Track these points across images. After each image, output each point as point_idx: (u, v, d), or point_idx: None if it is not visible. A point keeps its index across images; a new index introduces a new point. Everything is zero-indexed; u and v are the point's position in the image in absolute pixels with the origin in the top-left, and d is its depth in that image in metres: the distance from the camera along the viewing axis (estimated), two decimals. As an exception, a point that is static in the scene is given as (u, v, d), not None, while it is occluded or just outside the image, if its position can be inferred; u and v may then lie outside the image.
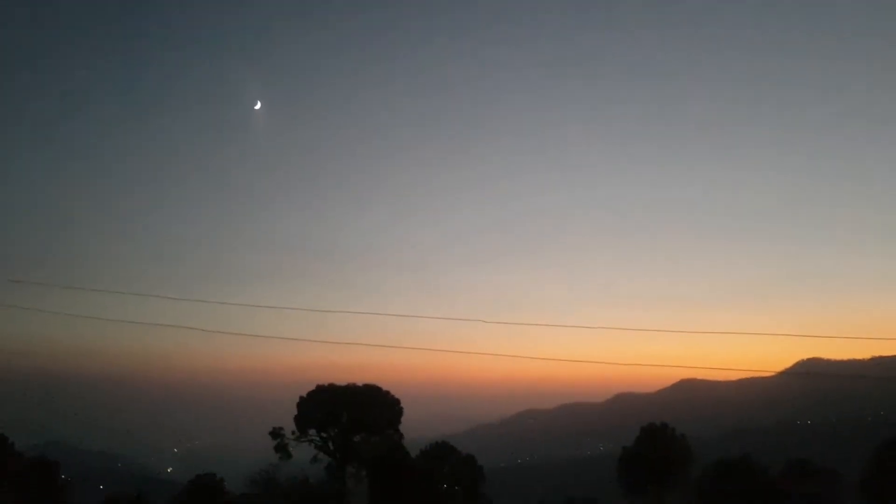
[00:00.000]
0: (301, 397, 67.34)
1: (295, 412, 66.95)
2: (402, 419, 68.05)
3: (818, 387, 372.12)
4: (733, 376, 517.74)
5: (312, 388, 67.47)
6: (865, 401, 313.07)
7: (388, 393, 68.07)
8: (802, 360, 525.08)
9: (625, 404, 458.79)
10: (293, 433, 66.67)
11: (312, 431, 66.70)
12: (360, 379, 69.08)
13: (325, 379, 68.43)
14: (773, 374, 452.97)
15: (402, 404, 68.20)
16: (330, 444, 66.30)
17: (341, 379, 68.56)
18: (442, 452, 66.76)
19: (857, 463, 65.54)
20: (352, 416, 65.80)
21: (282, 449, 66.40)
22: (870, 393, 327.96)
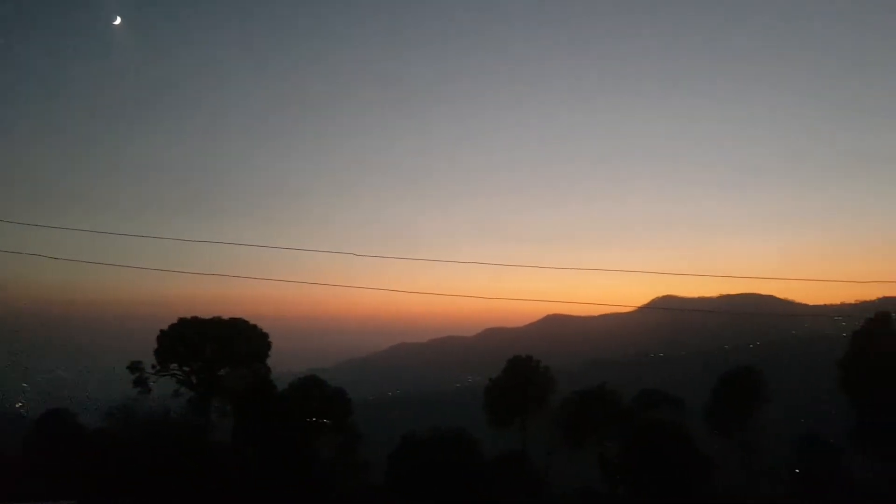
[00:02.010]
0: (162, 330, 65.04)
1: (156, 346, 64.75)
2: (272, 353, 67.25)
3: (672, 322, 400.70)
4: (596, 311, 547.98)
5: (175, 320, 65.38)
6: (713, 335, 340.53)
7: (255, 326, 66.90)
8: (658, 297, 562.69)
9: (495, 338, 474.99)
10: (153, 367, 64.55)
11: (174, 365, 64.80)
12: (227, 312, 67.46)
13: (192, 312, 66.37)
14: (632, 309, 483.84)
15: (271, 338, 67.37)
16: (193, 378, 64.73)
17: (208, 312, 66.74)
18: (310, 386, 66.70)
19: (704, 392, 71.58)
20: (216, 350, 64.38)
21: (141, 383, 64.22)
22: (717, 327, 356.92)
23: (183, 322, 65.25)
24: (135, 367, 64.83)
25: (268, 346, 67.10)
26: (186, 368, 64.81)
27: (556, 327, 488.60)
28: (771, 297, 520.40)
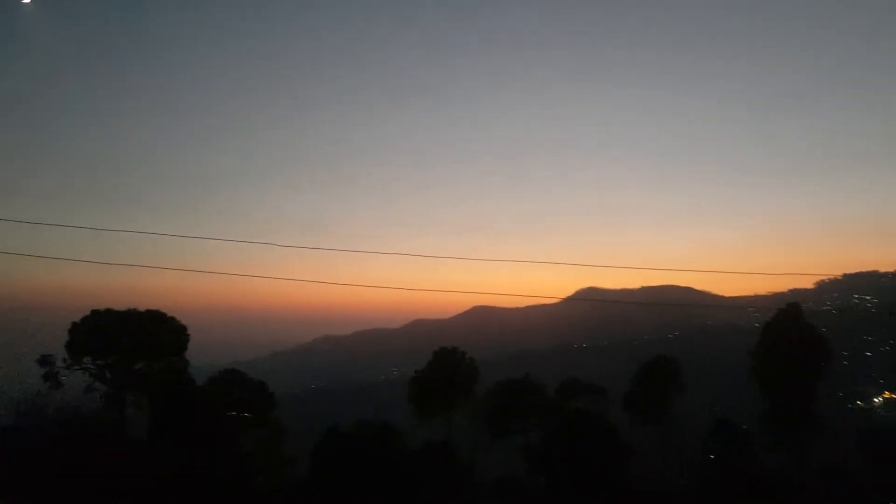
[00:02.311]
0: (74, 323, 62.46)
1: (67, 339, 62.13)
2: (191, 346, 65.54)
3: (595, 313, 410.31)
4: (521, 303, 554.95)
5: (88, 313, 62.89)
6: (635, 326, 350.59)
7: (172, 318, 64.97)
8: (582, 289, 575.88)
9: (421, 330, 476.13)
10: (64, 360, 61.95)
11: (87, 359, 62.34)
12: (144, 304, 65.29)
13: (106, 304, 63.92)
14: (556, 301, 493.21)
15: (189, 330, 65.57)
16: (107, 373, 62.45)
17: (123, 304, 64.41)
18: (231, 379, 65.36)
19: (625, 382, 73.58)
20: (131, 343, 62.23)
21: (51, 377, 61.55)
22: (638, 319, 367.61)
23: (96, 314, 62.83)
24: (45, 360, 62.13)
25: (186, 338, 65.32)
26: (100, 362, 62.46)
27: (483, 319, 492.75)
28: (689, 289, 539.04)
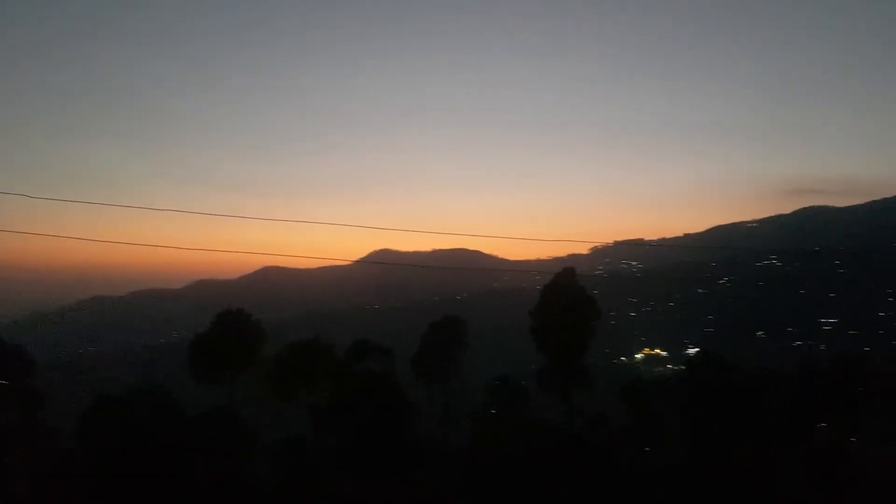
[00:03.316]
0: None
1: None
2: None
3: (389, 275, 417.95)
4: (315, 264, 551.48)
5: None
6: (426, 287, 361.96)
7: None
8: (376, 251, 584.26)
9: (206, 291, 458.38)
10: None
11: None
12: None
13: None
14: (350, 262, 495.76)
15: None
16: None
17: None
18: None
19: (415, 342, 75.58)
20: None
21: None
22: (430, 280, 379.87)
23: None
24: None
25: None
26: None
27: (273, 280, 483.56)
28: (478, 253, 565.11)
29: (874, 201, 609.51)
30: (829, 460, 53.72)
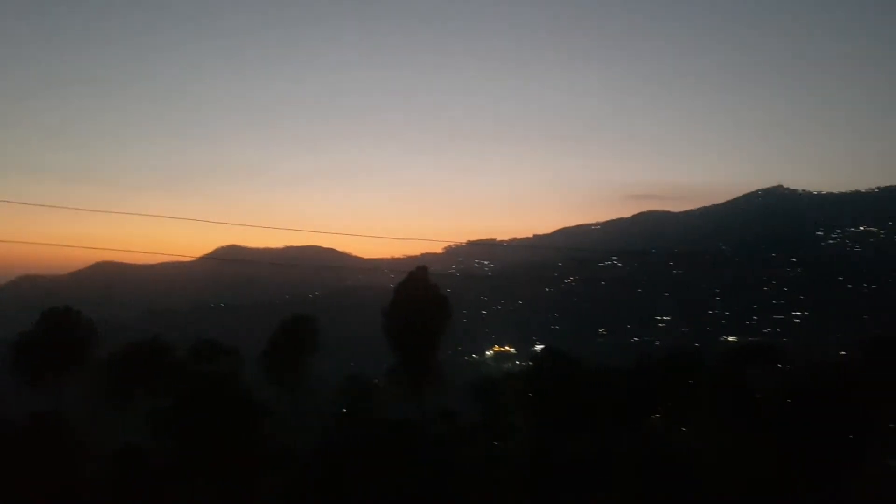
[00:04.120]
0: None
1: None
2: None
3: (236, 272, 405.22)
4: (155, 260, 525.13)
5: None
6: (277, 285, 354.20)
7: None
8: (223, 247, 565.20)
9: (31, 287, 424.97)
10: None
11: None
12: None
13: None
14: (193, 258, 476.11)
15: None
16: None
17: None
18: None
19: (264, 342, 73.78)
20: None
21: None
22: (282, 278, 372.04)
23: None
24: None
25: None
26: None
27: (109, 276, 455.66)
28: (332, 251, 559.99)
29: (704, 207, 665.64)
30: (659, 450, 57.71)
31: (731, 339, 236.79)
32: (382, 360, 75.37)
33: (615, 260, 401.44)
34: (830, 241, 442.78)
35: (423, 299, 68.57)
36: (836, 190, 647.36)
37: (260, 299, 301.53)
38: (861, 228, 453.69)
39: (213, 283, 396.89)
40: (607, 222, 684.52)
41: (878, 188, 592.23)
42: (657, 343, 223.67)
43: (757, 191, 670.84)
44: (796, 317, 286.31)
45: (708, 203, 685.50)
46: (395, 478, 51.98)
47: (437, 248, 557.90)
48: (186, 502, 51.24)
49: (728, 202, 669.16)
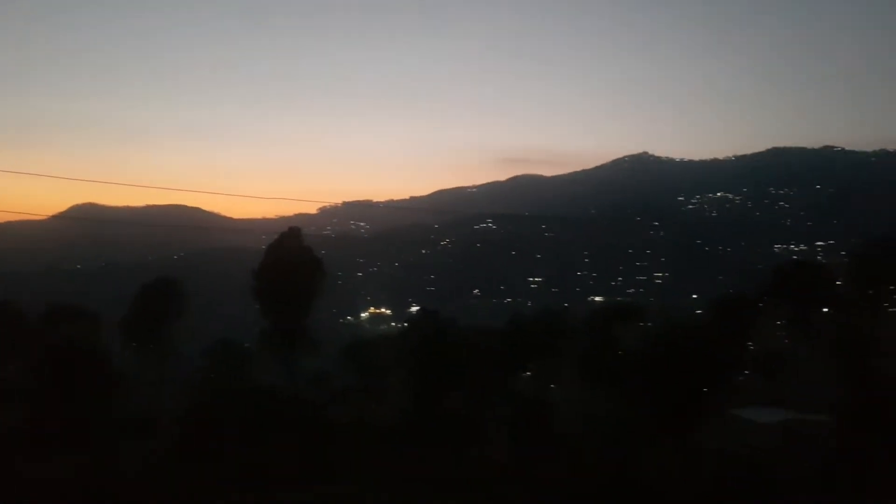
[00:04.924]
0: None
1: None
2: None
3: (93, 232, 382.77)
4: (1, 218, 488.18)
5: None
6: (139, 246, 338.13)
7: None
8: (78, 205, 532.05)
9: None
10: None
11: None
12: None
13: None
14: (44, 217, 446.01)
15: None
16: None
17: None
18: None
19: (125, 306, 70.67)
20: None
21: None
22: (143, 239, 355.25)
23: None
24: None
25: None
26: None
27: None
28: (198, 210, 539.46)
29: (575, 172, 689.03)
30: (530, 406, 60.23)
31: (598, 299, 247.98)
32: (254, 325, 74.11)
33: (490, 223, 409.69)
34: (690, 206, 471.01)
35: (296, 261, 67.73)
36: (697, 158, 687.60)
37: (120, 261, 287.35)
38: (718, 194, 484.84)
39: (68, 244, 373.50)
40: (483, 185, 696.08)
41: (734, 156, 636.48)
42: (529, 304, 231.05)
43: (624, 157, 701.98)
44: (658, 277, 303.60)
45: (579, 168, 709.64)
46: (265, 442, 51.65)
47: (312, 209, 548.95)
48: (40, 470, 48.80)
49: (597, 167, 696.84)
